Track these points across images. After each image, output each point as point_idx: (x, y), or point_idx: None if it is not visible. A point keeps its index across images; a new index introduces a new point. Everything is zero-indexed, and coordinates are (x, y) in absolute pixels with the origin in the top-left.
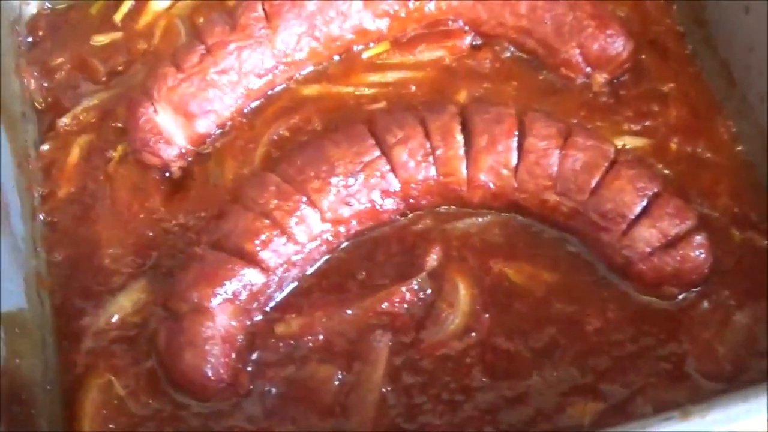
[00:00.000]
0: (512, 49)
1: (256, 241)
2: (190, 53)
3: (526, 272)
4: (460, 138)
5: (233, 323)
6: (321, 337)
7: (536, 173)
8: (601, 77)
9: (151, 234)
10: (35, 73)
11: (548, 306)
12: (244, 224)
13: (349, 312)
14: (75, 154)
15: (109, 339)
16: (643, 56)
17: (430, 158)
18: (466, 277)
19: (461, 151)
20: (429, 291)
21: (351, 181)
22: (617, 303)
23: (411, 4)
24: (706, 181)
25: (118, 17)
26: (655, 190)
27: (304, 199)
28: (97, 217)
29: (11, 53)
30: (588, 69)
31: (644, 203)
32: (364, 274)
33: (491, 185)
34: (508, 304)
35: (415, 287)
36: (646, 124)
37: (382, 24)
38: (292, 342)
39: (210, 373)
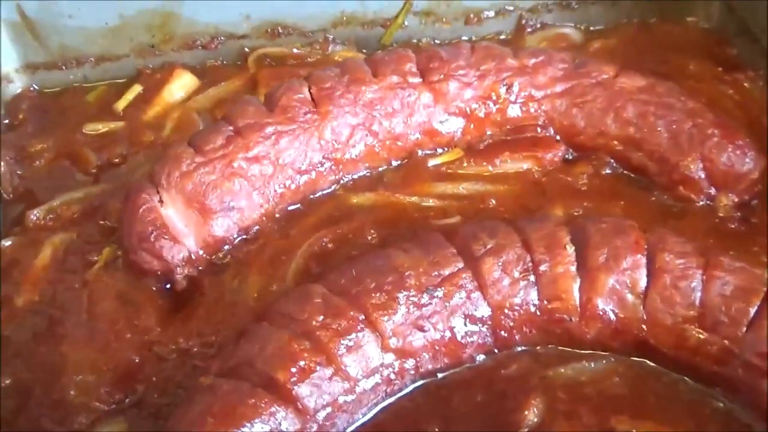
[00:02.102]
0: (614, 164)
1: (292, 369)
2: (213, 133)
3: None
4: (570, 250)
5: None
6: None
7: (673, 300)
8: (728, 199)
9: (137, 360)
10: (8, 158)
11: None
12: (275, 346)
13: None
14: (46, 254)
15: None
16: None
17: (531, 276)
18: None
19: (573, 267)
20: None
21: (425, 298)
22: None
23: (492, 105)
24: None
25: (120, 105)
26: None
27: (362, 317)
28: (65, 334)
29: None
30: (711, 190)
31: None
32: (436, 430)
33: (612, 316)
34: None
35: None
36: None
37: (456, 125)
38: None
39: None
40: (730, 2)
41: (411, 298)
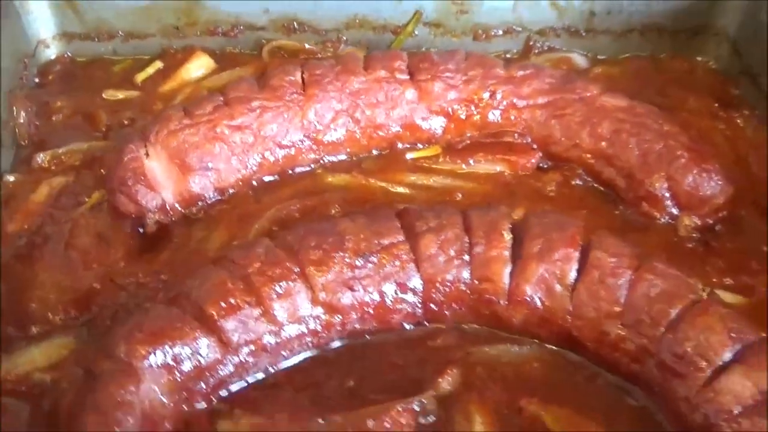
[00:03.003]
0: (585, 176)
1: (221, 304)
2: (205, 101)
3: (570, 422)
4: (507, 237)
5: (164, 400)
6: None
7: (599, 295)
8: (690, 220)
9: (97, 286)
10: (30, 109)
11: None
12: (211, 283)
13: (321, 421)
14: (42, 192)
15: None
16: (743, 213)
17: (466, 256)
18: (486, 412)
19: (507, 252)
20: (433, 418)
21: (360, 261)
22: None
23: (474, 108)
24: None
25: (140, 78)
26: (752, 338)
27: (297, 269)
28: (40, 257)
29: (9, 78)
30: (674, 210)
31: (737, 347)
32: (352, 382)
33: (539, 303)
34: None
35: (416, 408)
36: (742, 279)
37: (437, 123)
38: None
39: None
40: (739, 43)
41: (346, 259)
